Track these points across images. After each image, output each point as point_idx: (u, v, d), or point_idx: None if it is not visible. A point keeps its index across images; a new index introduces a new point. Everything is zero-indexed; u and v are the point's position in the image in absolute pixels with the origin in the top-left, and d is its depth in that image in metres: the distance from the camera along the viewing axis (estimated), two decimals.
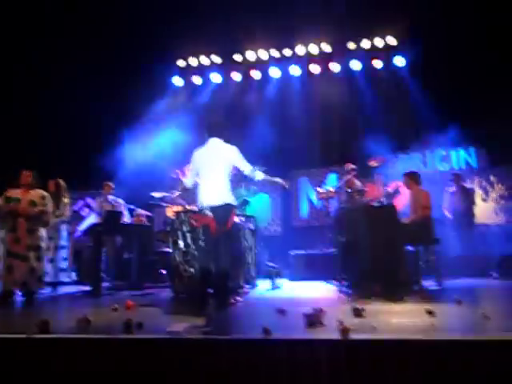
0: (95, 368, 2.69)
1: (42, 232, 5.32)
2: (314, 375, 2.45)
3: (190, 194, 4.64)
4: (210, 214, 3.97)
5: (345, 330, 2.55)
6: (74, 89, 8.48)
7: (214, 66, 9.94)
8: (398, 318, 3.20)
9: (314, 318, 2.99)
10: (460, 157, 8.86)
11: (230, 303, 4.15)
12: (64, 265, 6.62)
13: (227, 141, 4.25)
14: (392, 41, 9.11)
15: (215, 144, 4.19)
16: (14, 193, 5.26)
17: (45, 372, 2.75)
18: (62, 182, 6.44)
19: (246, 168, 4.19)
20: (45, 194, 5.44)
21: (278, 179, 4.44)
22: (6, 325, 3.62)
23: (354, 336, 2.51)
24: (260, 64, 9.75)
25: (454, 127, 7.79)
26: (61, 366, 2.74)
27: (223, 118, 4.57)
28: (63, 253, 6.58)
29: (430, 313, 3.16)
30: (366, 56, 9.35)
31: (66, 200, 6.50)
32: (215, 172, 4.08)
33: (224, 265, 3.97)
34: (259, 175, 4.28)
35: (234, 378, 2.54)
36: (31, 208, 5.20)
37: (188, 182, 4.35)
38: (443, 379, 2.31)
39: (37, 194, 5.34)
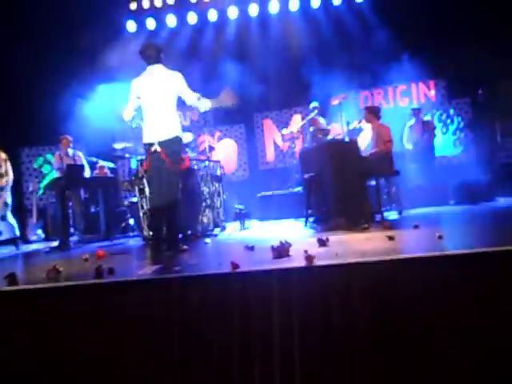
0: (68, 316, 2.73)
1: None
2: (281, 303, 2.56)
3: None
4: (157, 147, 3.70)
5: (310, 258, 2.66)
6: (27, 38, 7.93)
7: (168, 8, 9.42)
8: (360, 245, 3.35)
9: (281, 250, 3.10)
10: (419, 91, 8.97)
11: (181, 249, 3.92)
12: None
13: (168, 66, 3.93)
14: None
15: (157, 70, 3.83)
16: None
17: (17, 325, 2.76)
18: None
19: (192, 97, 3.87)
20: None
21: (223, 99, 4.10)
22: None
23: (318, 263, 2.63)
24: (216, 4, 9.31)
25: (413, 61, 7.82)
26: (33, 317, 2.75)
27: (157, 42, 4.16)
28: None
29: (390, 238, 3.32)
30: None
31: (5, 157, 6.20)
32: (161, 102, 3.76)
33: (173, 204, 3.76)
34: (206, 103, 3.96)
35: (204, 314, 2.62)
36: None
37: (126, 115, 3.97)
38: (400, 295, 2.47)
39: None
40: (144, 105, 3.83)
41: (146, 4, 9.30)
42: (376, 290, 2.50)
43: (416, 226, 3.89)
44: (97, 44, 8.43)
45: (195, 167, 5.69)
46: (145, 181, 5.18)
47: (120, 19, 9.39)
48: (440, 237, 3.00)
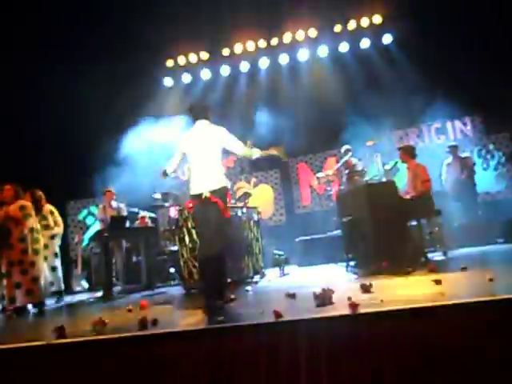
0: (114, 367, 2.76)
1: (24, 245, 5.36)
2: (326, 352, 2.50)
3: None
4: (208, 194, 3.76)
5: (353, 306, 2.60)
6: (68, 96, 8.51)
7: (202, 63, 9.92)
8: (406, 290, 3.24)
9: (323, 298, 3.04)
10: (455, 128, 8.86)
11: (229, 299, 3.92)
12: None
13: (213, 122, 4.08)
14: (377, 19, 9.10)
15: (203, 126, 4.01)
16: None
17: (65, 377, 2.81)
18: (38, 192, 6.33)
19: (239, 147, 3.99)
20: (24, 204, 5.51)
21: (273, 150, 4.15)
22: (21, 335, 3.70)
23: (363, 310, 2.56)
24: (248, 56, 9.73)
25: (447, 99, 7.79)
26: (82, 369, 2.80)
27: (205, 101, 4.38)
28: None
29: (437, 282, 3.20)
30: (353, 37, 9.34)
31: (50, 209, 6.47)
32: (207, 155, 3.88)
33: (221, 255, 3.77)
34: (255, 153, 4.07)
35: (249, 364, 2.59)
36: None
37: (170, 168, 4.11)
38: (453, 343, 2.35)
39: (15, 206, 5.44)
40: (191, 158, 3.97)
41: (181, 61, 9.84)
42: (427, 338, 2.40)
43: (464, 268, 3.73)
44: (137, 100, 8.93)
45: (234, 214, 5.76)
46: (185, 230, 5.30)
47: (158, 75, 9.93)
48: (491, 279, 2.86)
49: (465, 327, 2.38)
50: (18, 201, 5.50)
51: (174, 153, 4.11)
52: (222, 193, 3.83)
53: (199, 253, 4.06)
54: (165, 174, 4.12)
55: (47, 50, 8.53)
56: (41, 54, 8.43)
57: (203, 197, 3.78)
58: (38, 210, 6.04)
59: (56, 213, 6.54)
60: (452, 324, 2.40)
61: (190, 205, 3.99)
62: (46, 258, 5.96)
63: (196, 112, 4.08)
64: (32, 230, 5.45)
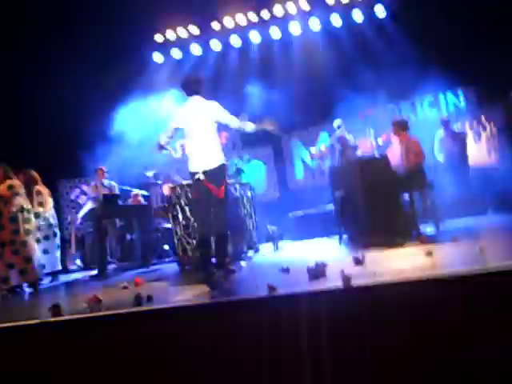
0: (109, 344, 2.79)
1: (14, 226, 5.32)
2: (318, 325, 2.53)
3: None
4: (202, 176, 3.80)
5: (346, 279, 2.63)
6: (56, 73, 8.33)
7: (192, 38, 9.71)
8: (398, 262, 3.28)
9: (316, 271, 3.07)
10: (448, 100, 8.82)
11: (231, 271, 4.11)
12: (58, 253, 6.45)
13: (206, 97, 4.07)
14: None
15: (196, 102, 4.00)
16: None
17: (62, 354, 2.84)
18: (31, 173, 6.27)
19: (234, 121, 4.02)
20: (12, 183, 5.45)
21: (266, 124, 4.15)
22: (16, 314, 3.72)
23: (355, 283, 2.59)
24: (239, 30, 9.53)
25: (439, 71, 7.71)
26: (78, 347, 2.82)
27: (198, 75, 4.34)
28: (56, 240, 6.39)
29: (428, 253, 3.24)
30: (346, 10, 9.16)
31: (41, 189, 6.38)
32: (203, 131, 3.89)
33: (222, 231, 3.89)
34: (249, 126, 4.10)
35: (242, 338, 2.63)
36: None
37: (162, 139, 4.08)
38: (443, 314, 2.39)
39: (4, 185, 5.39)
40: (187, 134, 3.97)
41: (170, 36, 9.62)
42: (416, 310, 2.43)
43: (454, 239, 3.78)
44: (127, 76, 8.76)
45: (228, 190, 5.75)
46: (178, 207, 5.29)
47: (147, 50, 9.73)
48: (481, 250, 2.90)
49: (454, 298, 2.41)
50: (7, 180, 5.43)
51: (167, 127, 4.08)
52: (220, 171, 3.87)
53: (197, 231, 4.12)
54: (161, 147, 4.09)
55: (33, 25, 8.31)
56: (27, 30, 8.23)
57: (196, 177, 3.79)
58: (30, 190, 5.97)
59: (44, 193, 6.41)
60: (443, 295, 2.44)
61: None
62: (38, 241, 5.92)
63: (189, 87, 4.04)
64: (22, 209, 5.40)
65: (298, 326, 2.56)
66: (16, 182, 5.51)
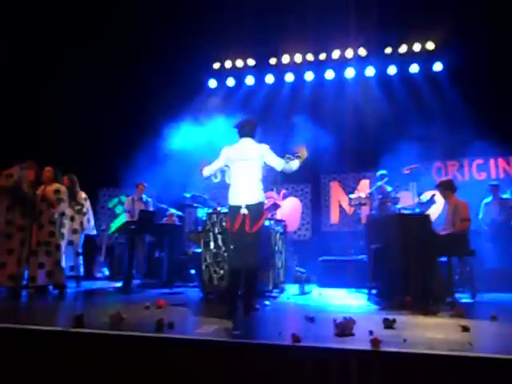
0: (127, 364, 2.77)
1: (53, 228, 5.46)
2: None
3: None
4: (245, 211, 3.96)
5: (376, 341, 2.52)
6: (113, 89, 8.73)
7: (248, 69, 9.98)
8: (431, 332, 3.12)
9: (344, 327, 2.96)
10: (498, 165, 8.56)
11: (255, 309, 4.12)
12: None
13: (257, 140, 4.27)
14: (430, 45, 8.93)
15: (247, 143, 4.21)
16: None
17: (78, 365, 2.83)
18: (74, 178, 6.47)
19: (279, 163, 4.17)
20: (59, 188, 5.68)
21: (298, 152, 4.30)
22: (40, 317, 3.77)
23: (384, 348, 2.48)
24: (294, 67, 9.72)
25: (492, 135, 7.54)
26: (95, 360, 2.82)
27: (253, 118, 4.55)
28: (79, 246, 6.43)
29: (464, 329, 3.07)
30: (403, 61, 9.20)
31: (82, 195, 6.57)
32: (249, 169, 4.09)
33: (253, 267, 3.97)
34: (294, 164, 4.24)
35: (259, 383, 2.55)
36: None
37: (206, 171, 4.35)
38: None
39: (51, 188, 5.60)
40: (233, 171, 4.19)
41: (228, 65, 9.93)
42: None
43: (494, 317, 3.56)
44: (180, 98, 9.06)
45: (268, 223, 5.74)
46: (211, 234, 5.30)
47: (203, 77, 10.06)
48: None
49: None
50: (55, 183, 5.65)
51: (217, 160, 4.31)
52: (258, 208, 4.02)
53: (229, 262, 4.26)
54: (205, 173, 4.39)
55: (97, 47, 8.81)
56: (91, 51, 8.72)
57: (241, 212, 3.95)
58: (73, 195, 6.17)
59: (82, 198, 6.57)
60: (474, 379, 2.29)
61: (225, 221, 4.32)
62: (72, 243, 6.07)
63: (243, 129, 4.26)
64: (62, 214, 5.59)
65: (319, 382, 2.46)
66: (63, 187, 5.75)
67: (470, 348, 2.55)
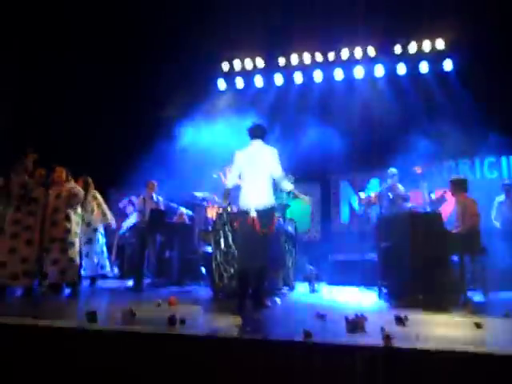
0: (139, 360, 2.79)
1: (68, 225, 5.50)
2: (353, 380, 2.42)
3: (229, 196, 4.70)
4: (254, 214, 4.03)
5: (388, 337, 2.51)
6: (122, 89, 8.81)
7: (256, 70, 9.99)
8: (443, 329, 3.10)
9: (355, 324, 2.95)
10: (510, 164, 8.47)
11: (266, 305, 4.17)
12: (100, 259, 6.54)
13: (267, 143, 4.40)
14: (440, 44, 8.86)
15: (258, 146, 4.33)
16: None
17: (91, 361, 2.86)
18: (89, 180, 6.54)
19: (278, 173, 4.28)
20: (76, 186, 5.76)
21: (302, 196, 4.52)
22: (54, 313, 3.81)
23: (397, 344, 2.47)
24: (303, 67, 9.71)
25: (504, 134, 7.47)
26: (107, 356, 2.84)
27: (264, 121, 4.66)
28: (98, 247, 6.53)
29: (478, 326, 3.04)
30: (412, 60, 9.15)
31: (96, 196, 6.63)
32: (259, 174, 4.19)
33: (262, 266, 4.06)
34: (287, 186, 4.40)
35: (271, 379, 2.55)
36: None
37: (229, 183, 4.48)
38: None
39: (68, 186, 5.66)
40: (244, 174, 4.29)
41: (237, 65, 9.95)
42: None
43: (508, 314, 3.53)
44: (189, 99, 9.11)
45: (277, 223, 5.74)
46: (221, 233, 5.32)
47: (212, 77, 10.09)
48: None
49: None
50: (69, 183, 5.70)
51: (234, 167, 4.40)
52: (268, 212, 4.12)
53: (239, 263, 4.38)
54: (229, 184, 4.49)
55: (109, 51, 8.90)
56: (102, 52, 8.82)
57: (251, 215, 4.02)
58: (85, 195, 6.23)
59: (96, 198, 6.66)
60: (492, 375, 2.27)
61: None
62: (90, 241, 6.17)
63: (254, 132, 4.37)
64: (77, 212, 5.65)
65: (331, 377, 2.46)
66: (78, 187, 5.80)
67: (484, 344, 2.53)
